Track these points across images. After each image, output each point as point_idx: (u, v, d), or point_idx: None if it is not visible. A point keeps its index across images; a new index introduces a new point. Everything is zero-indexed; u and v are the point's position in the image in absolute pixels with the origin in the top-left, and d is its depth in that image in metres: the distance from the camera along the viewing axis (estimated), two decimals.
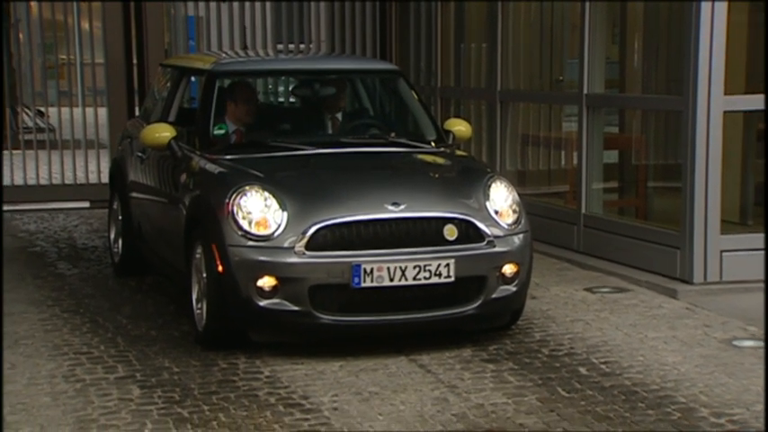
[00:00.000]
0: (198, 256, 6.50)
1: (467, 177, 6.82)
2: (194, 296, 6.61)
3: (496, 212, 6.42)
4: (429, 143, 7.47)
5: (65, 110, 12.92)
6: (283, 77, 8.77)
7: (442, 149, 7.41)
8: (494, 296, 6.31)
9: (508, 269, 6.32)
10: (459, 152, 7.47)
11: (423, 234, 6.19)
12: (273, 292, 6.02)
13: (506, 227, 6.40)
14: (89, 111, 12.42)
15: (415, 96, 7.92)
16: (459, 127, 7.70)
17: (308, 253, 6.01)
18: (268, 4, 13.13)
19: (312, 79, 8.19)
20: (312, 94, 8.14)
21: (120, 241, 8.55)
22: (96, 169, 12.20)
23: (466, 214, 6.29)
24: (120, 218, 8.61)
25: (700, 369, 6.15)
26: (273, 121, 7.89)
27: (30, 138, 12.51)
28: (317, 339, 6.27)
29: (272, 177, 6.45)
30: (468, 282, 6.21)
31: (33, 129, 12.68)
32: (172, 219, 7.13)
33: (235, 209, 6.14)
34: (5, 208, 10.50)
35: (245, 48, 12.81)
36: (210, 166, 6.80)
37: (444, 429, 5.16)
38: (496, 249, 6.27)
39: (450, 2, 12.21)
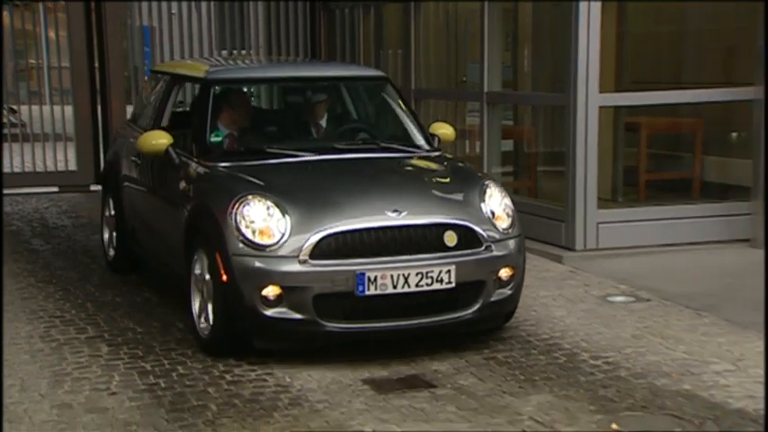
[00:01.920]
0: (198, 262, 5.80)
1: (461, 182, 6.09)
2: (195, 303, 5.87)
3: (492, 217, 5.77)
4: (418, 147, 6.71)
5: (35, 108, 12.80)
6: (274, 84, 7.57)
7: (432, 153, 6.64)
8: (491, 299, 5.65)
9: (504, 273, 5.67)
10: (446, 155, 6.76)
11: (424, 240, 5.49)
12: (278, 300, 5.30)
13: (502, 231, 5.74)
14: (56, 108, 12.29)
15: (402, 102, 7.11)
16: (444, 130, 6.93)
17: (312, 262, 5.30)
18: (213, 13, 13.11)
19: (303, 86, 7.36)
20: (303, 101, 7.30)
21: (114, 240, 7.78)
22: (64, 158, 12.10)
23: (465, 220, 5.61)
24: (113, 217, 7.80)
25: (581, 321, 6.35)
26: (265, 127, 7.09)
27: (3, 132, 12.40)
28: (322, 346, 5.58)
29: (273, 185, 5.69)
30: (467, 286, 5.52)
31: (7, 124, 12.56)
32: (170, 223, 6.36)
33: (237, 218, 5.42)
34: None
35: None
36: (210, 174, 6.08)
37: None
38: (494, 254, 5.61)
39: (370, 11, 12.30)
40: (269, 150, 6.33)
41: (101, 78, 11.94)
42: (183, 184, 6.20)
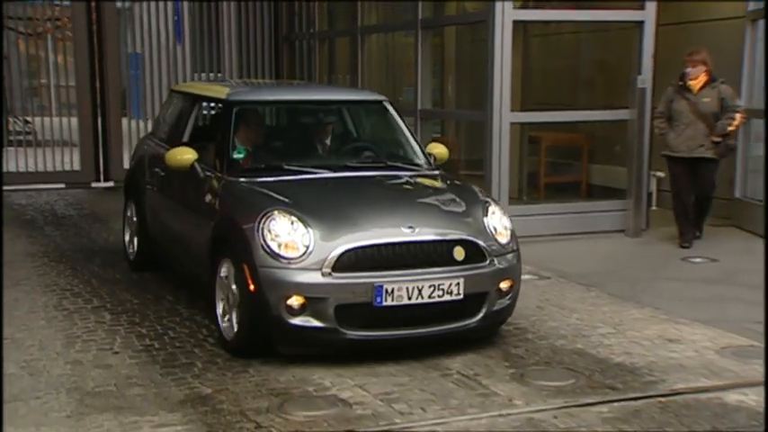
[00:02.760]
0: (224, 271, 5.16)
1: (465, 200, 5.44)
2: (219, 308, 5.23)
3: (494, 233, 5.20)
4: (419, 166, 6.04)
5: (46, 119, 12.61)
6: (289, 106, 6.56)
7: (433, 172, 6.00)
8: (494, 309, 5.12)
9: (504, 285, 5.14)
10: (443, 174, 6.09)
11: (435, 255, 4.95)
12: (302, 309, 4.74)
13: (503, 246, 5.18)
14: (64, 119, 12.14)
15: (403, 123, 6.40)
16: (439, 150, 6.25)
17: (334, 274, 4.75)
18: (192, 41, 13.09)
19: (315, 108, 6.54)
20: (315, 122, 6.47)
21: (136, 242, 7.06)
22: (69, 160, 11.91)
23: (471, 236, 5.07)
24: (135, 222, 7.08)
25: None
26: (281, 145, 6.25)
27: (20, 138, 12.25)
28: (342, 352, 4.96)
29: (296, 201, 5.09)
30: (473, 297, 4.99)
31: (23, 132, 12.36)
32: (194, 232, 5.75)
33: (264, 232, 4.84)
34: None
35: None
36: (234, 189, 5.44)
37: None
38: (496, 267, 5.07)
39: (324, 43, 12.28)
40: (287, 167, 5.66)
41: (101, 95, 11.82)
42: (208, 197, 5.57)
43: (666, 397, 4.42)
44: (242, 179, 5.49)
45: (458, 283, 4.88)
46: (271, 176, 5.51)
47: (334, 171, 5.73)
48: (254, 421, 4.09)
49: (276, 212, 4.93)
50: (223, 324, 5.20)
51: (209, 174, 5.68)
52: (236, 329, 5.03)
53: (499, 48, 7.80)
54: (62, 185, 11.76)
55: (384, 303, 4.76)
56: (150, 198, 6.82)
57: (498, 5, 7.72)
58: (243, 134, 5.88)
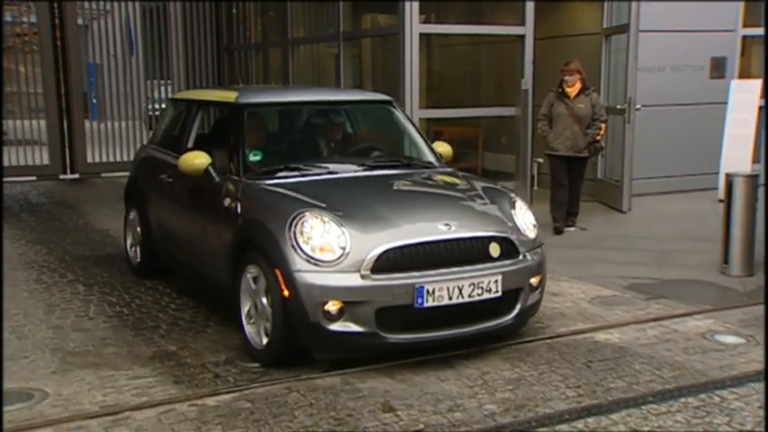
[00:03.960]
0: (249, 277, 4.27)
1: (491, 196, 4.63)
2: (244, 313, 4.34)
3: (524, 229, 4.46)
4: (431, 163, 5.20)
5: (18, 122, 12.18)
6: (299, 108, 5.50)
7: (446, 169, 5.19)
8: (527, 304, 4.37)
9: (535, 280, 4.38)
10: (457, 171, 5.25)
11: (473, 252, 4.15)
12: (340, 314, 3.88)
13: (532, 241, 4.45)
14: (34, 122, 11.77)
15: (410, 122, 5.55)
16: (443, 149, 5.42)
17: (373, 276, 3.90)
18: (140, 57, 12.89)
19: (324, 109, 5.54)
20: (325, 122, 5.49)
21: (139, 248, 5.99)
22: (39, 156, 11.52)
23: (505, 232, 4.30)
24: (138, 228, 5.99)
25: None
26: (291, 147, 5.34)
27: None
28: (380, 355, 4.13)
29: (325, 202, 4.19)
30: (509, 294, 4.21)
31: None
32: (210, 237, 4.78)
33: (297, 235, 3.96)
34: None
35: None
36: (257, 192, 4.49)
37: None
38: (529, 263, 4.31)
39: (260, 53, 12.15)
40: (304, 168, 4.75)
41: (66, 100, 11.48)
42: (227, 201, 4.58)
43: (552, 339, 4.55)
44: (261, 181, 4.55)
45: (496, 281, 4.11)
46: (290, 177, 4.61)
47: (353, 170, 4.85)
48: (213, 372, 4.08)
49: (308, 214, 4.04)
50: (250, 333, 4.31)
51: (225, 177, 4.73)
52: (267, 338, 4.14)
53: (408, 56, 7.85)
54: (33, 178, 11.39)
55: (425, 305, 3.94)
56: (155, 204, 5.76)
57: (407, 20, 7.77)
58: (254, 137, 5.01)
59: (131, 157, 11.85)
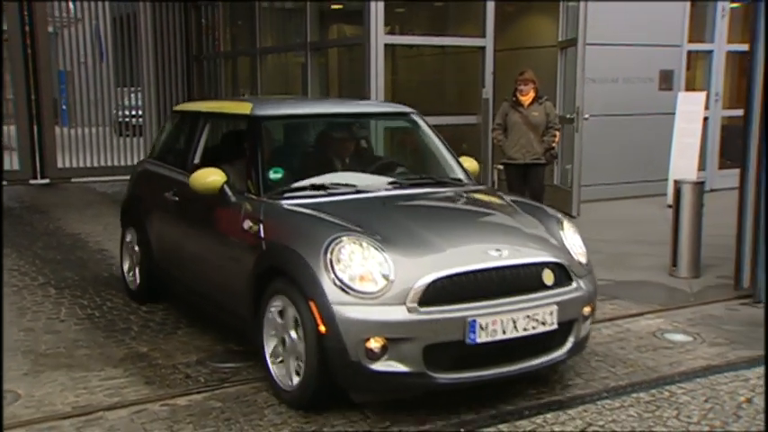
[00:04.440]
0: (275, 309, 3.64)
1: (538, 218, 4.02)
2: (269, 352, 3.72)
3: (575, 253, 3.85)
4: (461, 181, 4.54)
5: None
6: (318, 120, 4.79)
7: (481, 187, 4.62)
8: (580, 336, 3.78)
9: (587, 309, 3.77)
10: (493, 189, 4.51)
11: (526, 280, 3.55)
12: (383, 352, 3.27)
13: (584, 267, 3.84)
14: (3, 128, 11.60)
15: (437, 135, 4.85)
16: (469, 164, 4.77)
17: (421, 309, 3.30)
18: (111, 64, 12.76)
19: (345, 121, 4.80)
20: (347, 136, 4.72)
21: (138, 271, 5.29)
22: (9, 161, 11.30)
23: (557, 257, 3.70)
24: (137, 250, 5.29)
25: None
26: (313, 163, 4.52)
27: None
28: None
29: (361, 225, 3.58)
30: (563, 326, 3.61)
31: None
32: (227, 263, 4.09)
33: (334, 263, 3.36)
34: None
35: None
36: (283, 214, 3.84)
37: None
38: (583, 291, 3.71)
39: (229, 62, 12.08)
40: (330, 186, 4.08)
41: (36, 106, 11.29)
42: (247, 224, 3.91)
43: None
44: (285, 201, 3.92)
45: (551, 312, 3.52)
46: (316, 197, 3.98)
47: (383, 188, 4.19)
48: (184, 372, 4.05)
49: (345, 239, 3.43)
50: (277, 373, 3.68)
51: (242, 197, 4.09)
52: (298, 378, 3.54)
53: (374, 65, 7.86)
54: (5, 183, 11.14)
55: (478, 340, 3.36)
56: (159, 225, 5.06)
57: (372, 31, 7.80)
58: (272, 152, 4.39)
59: (101, 163, 11.82)
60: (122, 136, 12.53)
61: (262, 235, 3.80)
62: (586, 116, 8.58)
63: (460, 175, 4.60)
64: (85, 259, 6.59)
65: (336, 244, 3.41)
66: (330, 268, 3.36)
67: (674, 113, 9.45)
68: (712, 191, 9.68)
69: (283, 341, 3.63)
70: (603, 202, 9.29)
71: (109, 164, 11.95)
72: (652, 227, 7.97)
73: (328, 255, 3.38)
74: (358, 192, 4.08)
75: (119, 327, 4.81)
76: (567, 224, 4.03)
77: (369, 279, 3.34)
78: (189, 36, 12.43)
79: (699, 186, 6.12)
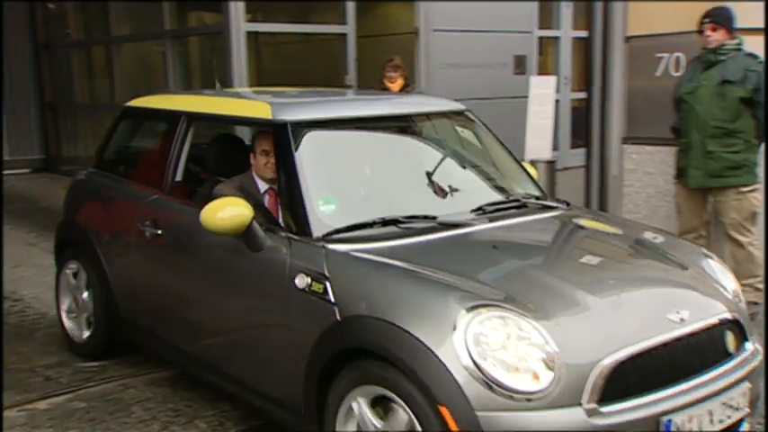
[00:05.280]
0: (356, 406, 2.48)
1: (685, 256, 2.95)
2: None
3: (738, 301, 2.83)
4: (539, 198, 3.40)
5: None
6: (366, 125, 3.28)
7: (573, 208, 3.41)
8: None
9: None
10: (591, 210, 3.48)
11: (710, 350, 2.55)
12: None
13: (748, 318, 2.81)
14: None
15: (497, 139, 3.71)
16: (533, 171, 3.74)
17: (603, 410, 2.23)
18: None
19: (394, 126, 3.47)
20: (402, 147, 3.47)
21: (89, 321, 4.02)
22: None
23: (733, 311, 2.69)
24: (86, 294, 4.01)
25: None
26: (369, 187, 3.17)
27: None
28: None
29: (498, 284, 2.48)
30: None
31: None
32: (266, 334, 2.88)
33: (473, 348, 2.22)
34: None
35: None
36: (363, 267, 2.61)
37: None
38: (759, 354, 2.70)
39: (83, 50, 11.45)
40: (404, 221, 2.85)
41: None
42: (300, 280, 2.68)
43: None
44: (352, 246, 2.70)
45: (743, 393, 2.54)
46: (391, 238, 2.76)
47: (470, 219, 2.99)
48: (43, 375, 3.86)
49: (483, 310, 2.30)
50: None
51: (280, 238, 2.85)
52: None
53: (236, 54, 7.73)
54: None
55: None
56: (126, 265, 3.70)
57: (233, 19, 7.66)
58: (315, 173, 2.96)
59: None
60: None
61: (331, 299, 2.58)
62: None
63: (535, 191, 3.49)
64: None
65: (474, 319, 2.28)
66: (469, 356, 2.23)
67: (527, 97, 9.92)
68: (566, 169, 10.25)
69: None
70: None
71: None
72: None
73: (464, 335, 2.25)
74: (445, 227, 2.87)
75: None
76: (717, 262, 3.00)
77: (527, 370, 2.24)
78: (35, 23, 11.68)
79: (551, 165, 6.49)
